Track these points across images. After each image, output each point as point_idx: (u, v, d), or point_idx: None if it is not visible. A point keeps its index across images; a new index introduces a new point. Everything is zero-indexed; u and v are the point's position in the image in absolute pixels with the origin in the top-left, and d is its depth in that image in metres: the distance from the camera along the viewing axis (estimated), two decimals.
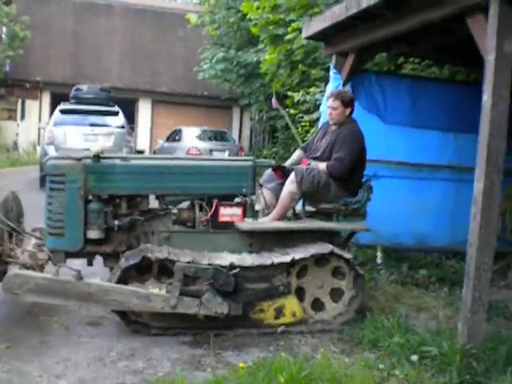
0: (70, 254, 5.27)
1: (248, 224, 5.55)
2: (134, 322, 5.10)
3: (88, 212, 5.19)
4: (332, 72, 7.62)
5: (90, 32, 27.28)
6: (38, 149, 21.00)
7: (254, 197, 5.80)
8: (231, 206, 5.58)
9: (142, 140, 27.16)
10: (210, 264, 5.00)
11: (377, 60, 9.94)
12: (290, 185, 5.67)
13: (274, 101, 10.02)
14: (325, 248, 5.41)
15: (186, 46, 26.71)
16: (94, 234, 5.20)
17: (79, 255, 5.35)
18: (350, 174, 5.80)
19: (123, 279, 4.96)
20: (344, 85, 7.39)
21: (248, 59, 18.35)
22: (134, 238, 5.43)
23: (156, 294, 4.89)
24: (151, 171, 5.47)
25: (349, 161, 5.74)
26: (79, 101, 16.12)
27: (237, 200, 5.65)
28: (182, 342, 4.95)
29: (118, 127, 15.47)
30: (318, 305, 5.52)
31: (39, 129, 23.17)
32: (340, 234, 6.00)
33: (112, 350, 4.71)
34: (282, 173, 5.96)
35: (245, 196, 5.64)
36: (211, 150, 19.02)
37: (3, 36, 24.51)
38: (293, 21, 11.78)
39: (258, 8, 13.04)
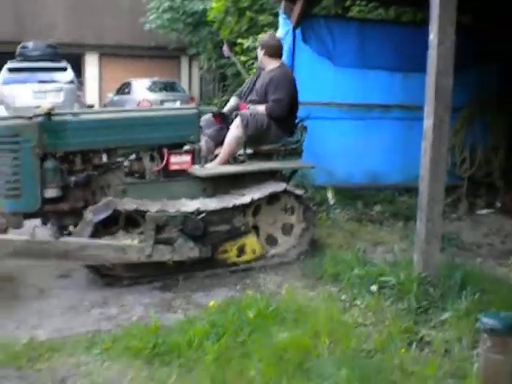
0: (27, 215, 5.20)
1: (206, 170, 5.72)
2: (106, 275, 5.20)
3: (44, 171, 5.12)
4: (282, 18, 7.71)
5: None
6: None
7: (200, 143, 5.90)
8: (181, 154, 5.69)
9: (92, 94, 26.79)
10: (177, 211, 5.14)
11: (324, 4, 10.02)
12: (236, 129, 5.84)
13: (225, 48, 10.03)
14: (279, 186, 5.71)
15: None
16: (51, 192, 5.16)
17: (37, 215, 5.27)
18: (286, 115, 6.02)
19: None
20: (294, 29, 7.49)
21: (194, 7, 18.18)
22: (90, 194, 5.42)
23: (131, 246, 4.99)
24: (103, 125, 5.47)
25: (287, 101, 5.97)
26: (26, 58, 15.96)
27: (185, 148, 5.74)
28: (153, 288, 5.13)
29: (67, 83, 15.43)
30: (271, 240, 5.82)
31: None
32: (281, 173, 6.25)
33: (84, 300, 4.84)
34: (222, 119, 6.19)
35: (192, 143, 5.76)
36: (162, 101, 18.97)
37: None
38: None
39: None
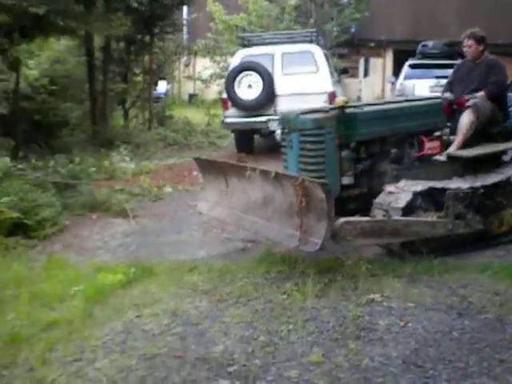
0: None
1: (469, 152, 5.96)
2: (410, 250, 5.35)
3: (342, 160, 5.49)
4: None
5: None
6: None
7: (446, 130, 6.20)
8: (433, 140, 6.02)
9: None
10: (470, 187, 5.47)
11: None
12: (469, 115, 6.07)
13: None
14: None
15: None
16: (347, 179, 5.54)
17: (335, 202, 4.94)
18: (503, 99, 6.54)
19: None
20: None
21: None
22: (371, 180, 5.76)
23: (439, 221, 5.27)
24: (382, 116, 5.85)
25: (502, 82, 6.56)
26: (425, 56, 17.77)
27: (435, 134, 6.08)
28: None
29: None
30: None
31: (384, 83, 25.38)
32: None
33: None
34: (450, 108, 6.40)
35: (440, 129, 6.12)
36: None
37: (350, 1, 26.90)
38: None
39: None
